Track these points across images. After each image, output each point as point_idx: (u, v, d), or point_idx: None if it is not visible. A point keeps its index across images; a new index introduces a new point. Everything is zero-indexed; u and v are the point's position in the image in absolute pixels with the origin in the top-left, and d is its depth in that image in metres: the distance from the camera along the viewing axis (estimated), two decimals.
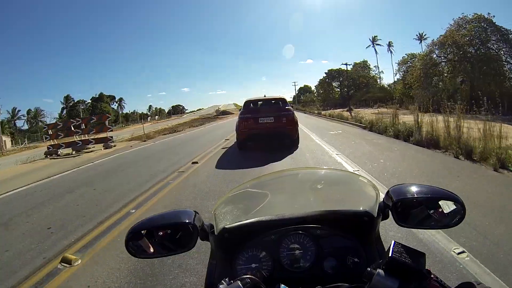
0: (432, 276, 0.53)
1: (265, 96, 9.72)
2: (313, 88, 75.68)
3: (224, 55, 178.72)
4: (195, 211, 0.75)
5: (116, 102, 75.42)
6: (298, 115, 9.64)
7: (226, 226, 0.80)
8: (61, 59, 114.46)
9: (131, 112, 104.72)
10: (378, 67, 45.14)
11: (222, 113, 48.40)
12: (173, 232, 0.72)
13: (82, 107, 61.43)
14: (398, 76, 44.56)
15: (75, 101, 59.47)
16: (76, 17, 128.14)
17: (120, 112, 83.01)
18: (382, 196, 0.79)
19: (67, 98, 59.13)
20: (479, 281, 0.56)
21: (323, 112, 28.29)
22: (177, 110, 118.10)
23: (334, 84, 52.08)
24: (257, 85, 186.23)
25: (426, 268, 0.54)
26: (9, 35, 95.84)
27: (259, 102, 9.00)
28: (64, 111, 62.49)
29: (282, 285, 0.59)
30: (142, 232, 0.71)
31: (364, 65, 50.50)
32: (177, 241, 0.72)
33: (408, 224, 0.73)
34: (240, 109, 9.44)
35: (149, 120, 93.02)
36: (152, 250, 0.71)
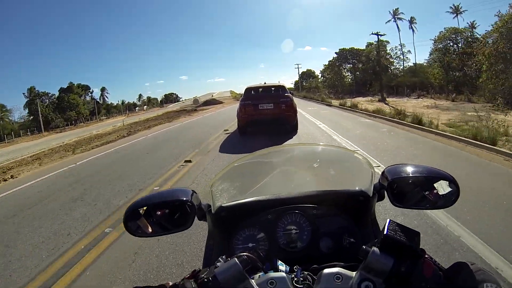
0: (426, 255, 0.52)
1: (265, 83, 9.98)
2: (317, 73, 67.19)
3: (222, 43, 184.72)
4: (192, 190, 0.73)
5: (89, 93, 65.96)
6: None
7: (223, 205, 0.81)
8: (56, 49, 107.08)
9: (121, 103, 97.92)
10: (402, 46, 35.89)
11: (205, 104, 38.92)
12: (170, 211, 0.72)
13: (47, 100, 51.82)
14: (426, 57, 35.46)
15: (36, 94, 49.45)
16: (69, 5, 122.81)
17: (103, 103, 74.19)
18: (378, 176, 0.77)
19: (31, 91, 49.64)
20: (472, 261, 0.50)
21: (336, 101, 19.87)
22: (170, 99, 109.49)
23: (347, 66, 43.22)
24: (256, 72, 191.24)
25: (420, 247, 0.53)
26: None
27: (259, 89, 9.25)
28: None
29: (279, 261, 0.61)
30: (140, 211, 0.70)
31: (382, 45, 41.66)
32: (175, 220, 0.72)
33: (404, 205, 0.73)
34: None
35: (136, 110, 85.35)
36: (150, 229, 0.70)
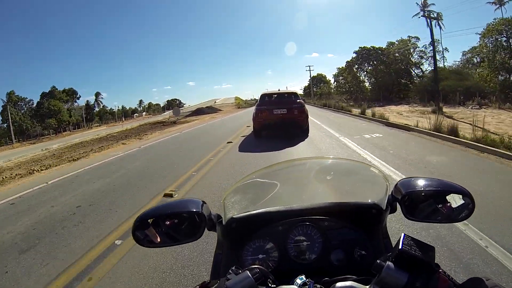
0: (440, 270, 0.51)
1: (279, 90, 10.57)
2: (329, 77, 60.94)
3: (229, 50, 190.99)
4: (202, 201, 0.73)
5: (75, 98, 60.69)
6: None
7: (234, 216, 0.80)
8: (64, 56, 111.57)
9: (120, 108, 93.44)
10: (434, 43, 29.07)
11: (196, 113, 31.91)
12: (179, 222, 0.71)
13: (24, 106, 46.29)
14: (455, 56, 28.89)
15: (8, 99, 43.65)
16: (78, 13, 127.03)
17: (96, 109, 69.25)
18: (391, 188, 0.77)
19: (10, 96, 44.19)
20: (488, 276, 0.49)
21: (356, 110, 13.45)
22: (172, 104, 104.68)
23: (367, 68, 36.70)
24: (263, 79, 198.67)
25: (435, 262, 0.52)
26: None
27: (273, 96, 9.58)
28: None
29: (298, 278, 0.58)
30: (149, 221, 0.69)
31: (408, 42, 35.04)
32: (184, 230, 0.71)
33: (416, 218, 0.71)
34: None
35: (135, 117, 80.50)
36: (158, 239, 0.69)
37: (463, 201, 0.68)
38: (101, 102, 72.02)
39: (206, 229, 0.72)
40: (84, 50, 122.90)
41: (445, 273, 0.51)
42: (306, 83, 65.47)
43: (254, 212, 0.83)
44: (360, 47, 35.21)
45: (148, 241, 0.69)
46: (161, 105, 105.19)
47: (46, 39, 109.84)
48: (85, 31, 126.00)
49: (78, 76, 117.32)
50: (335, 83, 52.90)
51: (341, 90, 51.50)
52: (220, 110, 37.07)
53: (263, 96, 9.64)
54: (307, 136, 8.58)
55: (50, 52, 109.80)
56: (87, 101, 69.42)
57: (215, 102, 77.48)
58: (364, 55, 34.66)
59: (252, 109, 10.11)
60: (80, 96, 66.35)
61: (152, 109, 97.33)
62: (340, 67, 51.94)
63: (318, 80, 64.60)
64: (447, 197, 0.69)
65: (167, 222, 0.71)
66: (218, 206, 2.96)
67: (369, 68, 35.96)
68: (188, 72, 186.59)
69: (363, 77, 36.53)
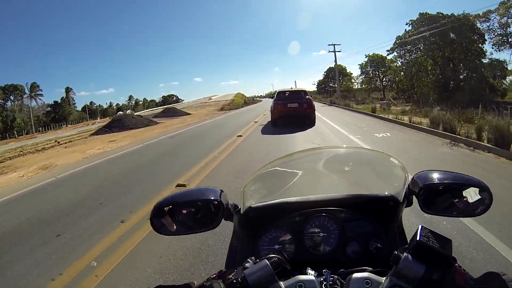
0: (456, 264, 0.51)
1: (291, 88, 13.77)
2: (350, 70, 46.99)
3: (237, 47, 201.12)
4: (221, 189, 0.72)
5: (19, 96, 48.45)
6: None
7: (252, 205, 0.80)
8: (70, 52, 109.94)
9: (108, 106, 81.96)
10: None
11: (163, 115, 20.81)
12: (196, 210, 0.71)
13: None
14: None
15: None
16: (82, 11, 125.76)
17: (68, 107, 57.44)
18: (408, 181, 0.75)
19: None
20: (503, 271, 0.49)
21: None
22: (169, 101, 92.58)
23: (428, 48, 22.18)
24: (270, 75, 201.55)
25: (452, 255, 0.51)
26: None
27: (287, 92, 11.47)
28: None
29: (309, 268, 0.58)
30: (165, 209, 0.69)
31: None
32: (200, 219, 0.70)
33: (433, 211, 0.69)
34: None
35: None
36: (174, 227, 0.69)
37: (480, 196, 0.66)
38: (72, 99, 60.18)
39: (223, 218, 0.71)
40: (91, 46, 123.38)
41: (461, 266, 0.51)
42: (319, 77, 50.91)
43: (272, 202, 0.83)
44: (420, 13, 20.99)
45: (164, 229, 0.68)
46: (157, 101, 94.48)
47: (51, 38, 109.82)
48: (93, 26, 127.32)
49: (85, 73, 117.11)
50: (363, 76, 38.90)
51: (369, 86, 37.51)
52: (187, 114, 23.89)
53: (280, 92, 11.61)
54: (314, 125, 10.37)
55: (53, 48, 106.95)
56: (63, 98, 58.35)
57: (210, 98, 64.62)
58: (425, 25, 20.51)
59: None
60: (66, 91, 56.72)
61: (146, 105, 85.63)
62: (369, 54, 37.98)
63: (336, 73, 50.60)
64: (463, 191, 0.67)
65: (184, 211, 0.70)
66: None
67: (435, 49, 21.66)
68: (195, 68, 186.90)
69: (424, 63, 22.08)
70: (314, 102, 11.14)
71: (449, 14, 19.75)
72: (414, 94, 20.82)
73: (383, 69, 36.54)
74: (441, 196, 0.69)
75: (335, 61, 31.54)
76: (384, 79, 36.44)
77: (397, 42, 21.89)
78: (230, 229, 0.82)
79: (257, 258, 0.56)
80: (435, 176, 0.69)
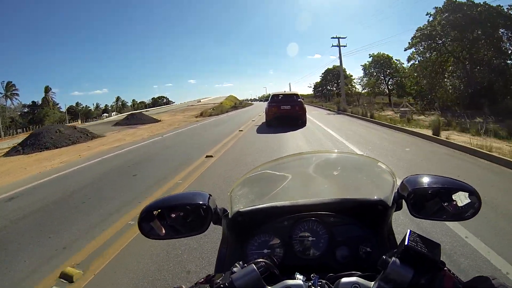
0: (445, 268, 0.51)
1: (285, 91, 14.07)
2: (349, 72, 43.09)
3: (231, 49, 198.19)
4: (209, 194, 0.72)
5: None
6: None
7: (240, 210, 0.79)
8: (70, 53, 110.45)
9: (95, 107, 77.38)
10: None
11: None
12: (185, 214, 0.70)
13: None
14: None
15: None
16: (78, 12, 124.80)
17: (47, 108, 52.85)
18: (397, 185, 0.75)
19: None
20: (494, 275, 0.49)
21: None
22: (158, 103, 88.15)
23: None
24: (264, 78, 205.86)
25: (440, 259, 0.52)
26: None
27: (280, 96, 12.23)
28: None
29: (297, 273, 0.57)
30: (154, 213, 0.68)
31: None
32: (189, 223, 0.70)
33: (422, 215, 0.70)
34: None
35: (105, 117, 63.70)
36: (163, 231, 0.68)
37: (469, 200, 0.66)
38: (52, 98, 55.72)
39: (211, 222, 0.71)
40: (85, 46, 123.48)
41: (450, 270, 0.51)
42: (315, 79, 47.41)
43: (260, 206, 0.82)
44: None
45: (153, 233, 0.68)
46: (146, 102, 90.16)
47: (47, 37, 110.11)
48: (88, 27, 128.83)
49: (78, 73, 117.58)
50: (366, 77, 35.08)
51: (374, 89, 33.67)
52: (157, 120, 19.91)
53: (274, 95, 12.32)
54: (305, 125, 10.99)
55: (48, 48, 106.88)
56: (49, 98, 53.88)
57: (199, 101, 60.51)
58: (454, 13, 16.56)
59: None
60: (45, 90, 52.21)
61: (135, 107, 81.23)
62: (374, 53, 34.18)
63: (335, 75, 46.80)
64: (453, 196, 0.67)
65: (173, 215, 0.69)
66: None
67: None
68: (189, 70, 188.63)
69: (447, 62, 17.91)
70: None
71: (482, 3, 15.89)
72: (435, 100, 16.92)
73: (388, 70, 32.78)
74: (430, 200, 0.69)
75: (340, 57, 26.30)
76: (390, 82, 32.65)
77: (418, 35, 17.82)
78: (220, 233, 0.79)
79: (245, 263, 0.56)
80: (424, 180, 0.69)
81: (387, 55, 32.56)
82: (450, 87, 18.00)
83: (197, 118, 20.63)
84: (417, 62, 18.81)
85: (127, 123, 19.59)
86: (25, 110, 52.64)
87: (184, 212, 0.69)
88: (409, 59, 19.38)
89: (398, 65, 32.42)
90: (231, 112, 28.00)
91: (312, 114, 16.76)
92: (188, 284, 0.56)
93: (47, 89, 55.04)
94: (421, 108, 16.18)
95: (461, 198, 0.67)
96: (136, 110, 74.16)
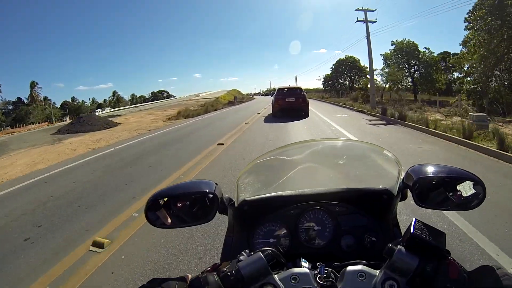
0: (450, 257, 0.51)
1: (289, 85, 15.89)
2: (365, 63, 37.55)
3: (237, 44, 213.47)
4: (215, 183, 0.71)
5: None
6: None
7: (246, 199, 0.79)
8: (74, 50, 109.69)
9: (91, 102, 73.45)
10: None
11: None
12: (191, 203, 0.70)
13: None
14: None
15: None
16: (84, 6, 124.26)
17: (34, 105, 48.76)
18: (402, 174, 0.74)
19: None
20: (499, 265, 0.51)
21: None
22: (158, 97, 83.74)
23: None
24: (269, 73, 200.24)
25: (445, 248, 0.52)
26: None
27: (285, 89, 13.67)
28: None
29: (303, 259, 0.60)
30: (161, 202, 0.68)
31: None
32: (195, 212, 0.70)
33: (427, 205, 0.69)
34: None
35: (98, 112, 59.26)
36: (169, 220, 0.69)
37: (474, 189, 0.65)
38: (40, 94, 51.61)
39: (217, 211, 0.70)
40: (90, 41, 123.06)
41: (455, 260, 0.51)
42: (322, 72, 41.97)
43: (267, 195, 0.82)
44: None
45: (159, 221, 0.68)
46: (146, 97, 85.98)
47: (50, 32, 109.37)
48: (94, 22, 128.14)
49: (84, 67, 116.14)
50: (386, 69, 29.51)
51: (396, 84, 28.15)
52: (116, 124, 15.36)
53: (280, 89, 13.74)
54: (307, 116, 12.26)
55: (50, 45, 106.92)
56: (35, 94, 49.96)
57: (198, 95, 55.81)
58: None
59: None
60: (31, 86, 48.25)
61: (135, 101, 77.13)
62: (397, 40, 28.60)
63: (349, 67, 41.26)
64: (457, 185, 0.67)
65: (179, 204, 0.69)
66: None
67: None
68: (194, 64, 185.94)
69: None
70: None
71: None
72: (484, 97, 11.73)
73: (413, 61, 27.24)
74: (435, 190, 0.68)
75: (367, 35, 17.45)
76: (416, 74, 27.14)
77: (484, 3, 12.24)
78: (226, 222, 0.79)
79: (251, 251, 0.56)
80: (429, 169, 0.68)
81: (413, 42, 27.02)
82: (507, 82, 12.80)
83: (169, 121, 15.67)
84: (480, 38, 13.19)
85: (71, 129, 14.97)
86: (10, 107, 48.91)
87: (190, 201, 0.69)
88: (464, 42, 13.93)
89: (427, 53, 26.82)
90: (225, 109, 22.95)
91: (340, 122, 10.51)
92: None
93: (32, 84, 50.91)
94: (484, 110, 10.96)
95: (466, 188, 0.65)
96: (135, 104, 70.01)
